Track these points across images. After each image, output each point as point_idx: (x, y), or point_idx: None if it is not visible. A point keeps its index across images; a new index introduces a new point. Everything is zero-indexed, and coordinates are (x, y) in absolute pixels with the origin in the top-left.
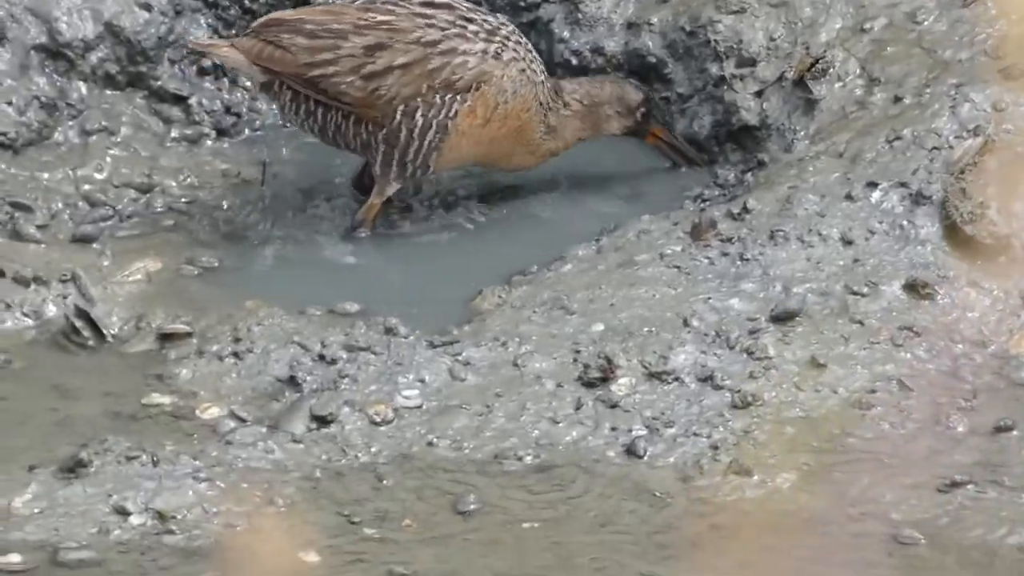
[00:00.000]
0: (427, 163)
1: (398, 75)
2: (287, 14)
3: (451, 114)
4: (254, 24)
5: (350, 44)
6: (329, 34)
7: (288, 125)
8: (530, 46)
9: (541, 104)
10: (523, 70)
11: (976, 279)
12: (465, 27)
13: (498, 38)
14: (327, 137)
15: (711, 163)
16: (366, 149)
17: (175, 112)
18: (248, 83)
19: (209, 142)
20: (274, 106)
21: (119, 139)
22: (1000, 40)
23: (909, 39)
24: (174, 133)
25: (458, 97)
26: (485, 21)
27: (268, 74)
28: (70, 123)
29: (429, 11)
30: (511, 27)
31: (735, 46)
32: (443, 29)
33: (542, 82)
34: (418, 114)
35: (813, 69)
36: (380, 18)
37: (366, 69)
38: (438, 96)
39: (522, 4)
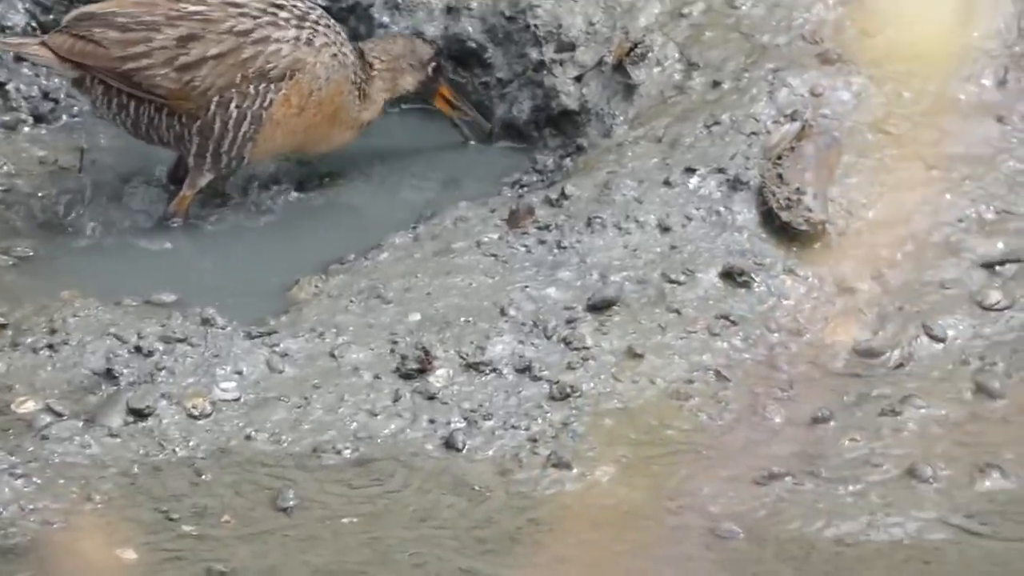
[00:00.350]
0: (242, 154)
1: (212, 66)
2: (98, 7)
3: (265, 104)
4: (65, 19)
5: (163, 36)
6: (141, 26)
7: (102, 118)
8: (339, 27)
9: (353, 83)
10: (335, 55)
11: (792, 266)
12: (276, 14)
13: (308, 23)
14: (140, 131)
15: (529, 148)
16: (179, 142)
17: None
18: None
19: (26, 128)
20: (86, 100)
21: None
22: (817, 25)
23: (727, 24)
24: None
25: (272, 86)
26: (295, 7)
27: (80, 69)
28: None
29: (240, 0)
30: (319, 11)
31: (554, 31)
32: (255, 18)
33: (352, 61)
34: (232, 105)
35: (632, 54)
36: (192, 8)
37: (179, 61)
38: (252, 86)
39: None
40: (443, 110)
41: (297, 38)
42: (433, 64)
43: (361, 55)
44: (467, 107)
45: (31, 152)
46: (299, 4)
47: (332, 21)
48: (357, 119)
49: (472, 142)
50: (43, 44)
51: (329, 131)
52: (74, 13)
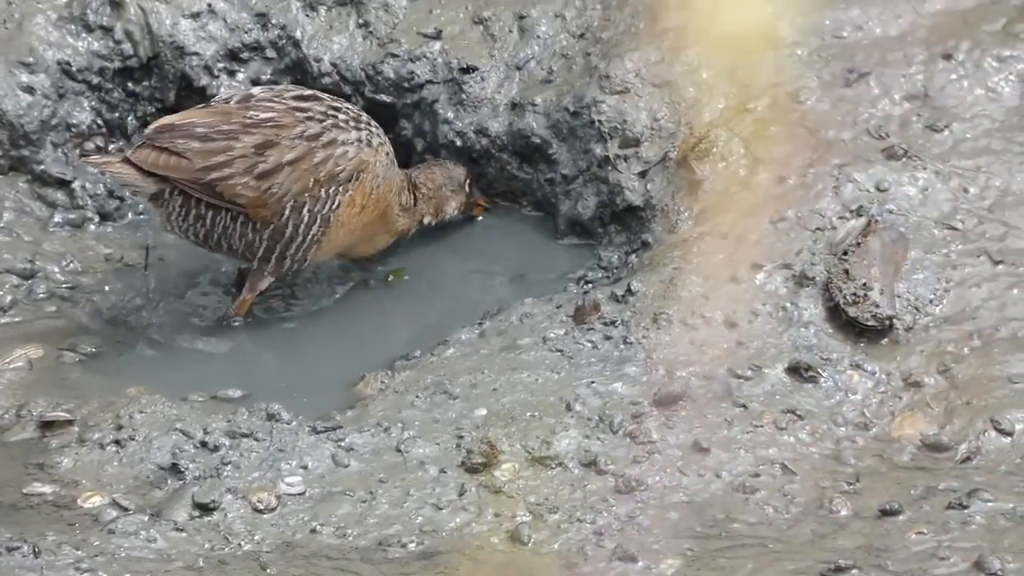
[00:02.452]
0: (306, 257)
1: (288, 172)
2: (177, 118)
3: (334, 206)
4: (146, 132)
5: (241, 144)
6: (221, 135)
7: (172, 230)
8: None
9: (399, 184)
10: (388, 153)
11: (859, 361)
12: (336, 116)
13: (363, 124)
14: (211, 241)
15: (594, 244)
16: (248, 248)
17: (59, 196)
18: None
19: (93, 226)
20: (157, 216)
21: (1, 224)
22: (883, 120)
23: (792, 119)
24: (57, 218)
25: (340, 188)
26: (348, 108)
27: (162, 183)
28: None
29: (304, 104)
30: (364, 113)
31: (619, 126)
32: (320, 121)
33: (395, 166)
34: (305, 209)
35: (697, 149)
36: (263, 116)
37: (258, 168)
38: (323, 189)
39: (406, 85)
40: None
41: (359, 139)
42: (469, 182)
43: (408, 177)
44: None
45: (97, 250)
46: (348, 105)
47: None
48: (396, 223)
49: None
50: (126, 160)
51: (376, 230)
52: (154, 125)
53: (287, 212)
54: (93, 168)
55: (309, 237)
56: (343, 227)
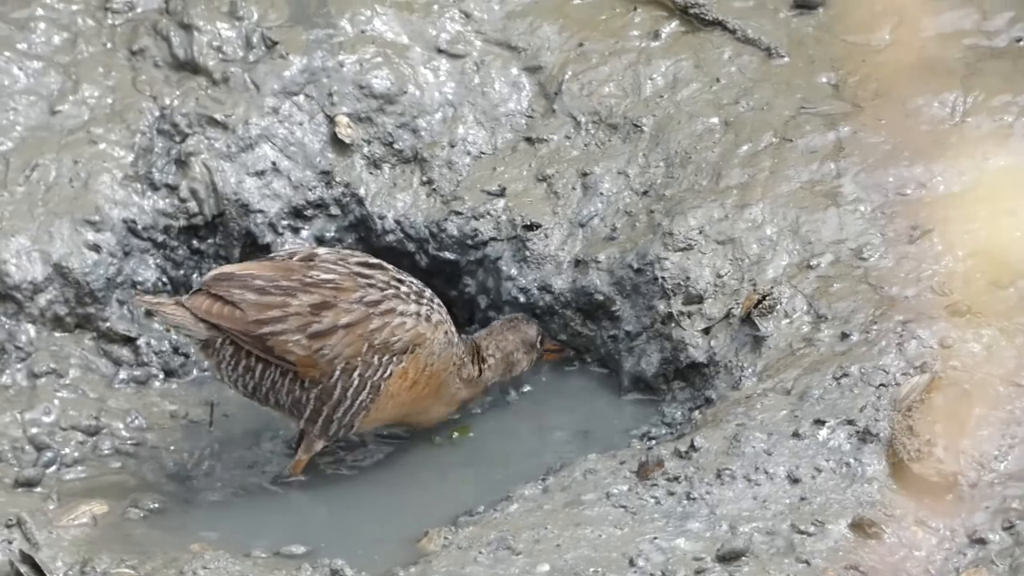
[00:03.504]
0: (353, 423)
1: (341, 335)
2: (238, 268)
3: (385, 375)
4: (205, 278)
5: (297, 302)
6: (279, 291)
7: (222, 379)
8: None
9: (455, 363)
10: (446, 332)
11: (923, 517)
12: (399, 288)
13: (425, 299)
14: (259, 394)
15: (657, 400)
16: (295, 406)
17: (124, 353)
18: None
19: (157, 383)
20: (207, 363)
21: (67, 381)
22: (946, 276)
23: (856, 275)
24: (122, 374)
25: (394, 359)
26: (412, 282)
27: (213, 330)
28: (18, 365)
29: (367, 271)
30: (428, 289)
31: (682, 283)
32: (382, 289)
33: (457, 341)
34: (355, 374)
35: (760, 306)
36: (324, 276)
37: (312, 328)
38: (376, 357)
39: (470, 242)
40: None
41: (418, 313)
42: (541, 338)
43: (474, 344)
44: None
45: (162, 406)
46: (413, 279)
47: (437, 298)
48: (455, 396)
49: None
50: (179, 303)
51: (432, 405)
52: (214, 272)
53: (336, 374)
54: (145, 307)
55: (357, 403)
56: (392, 398)
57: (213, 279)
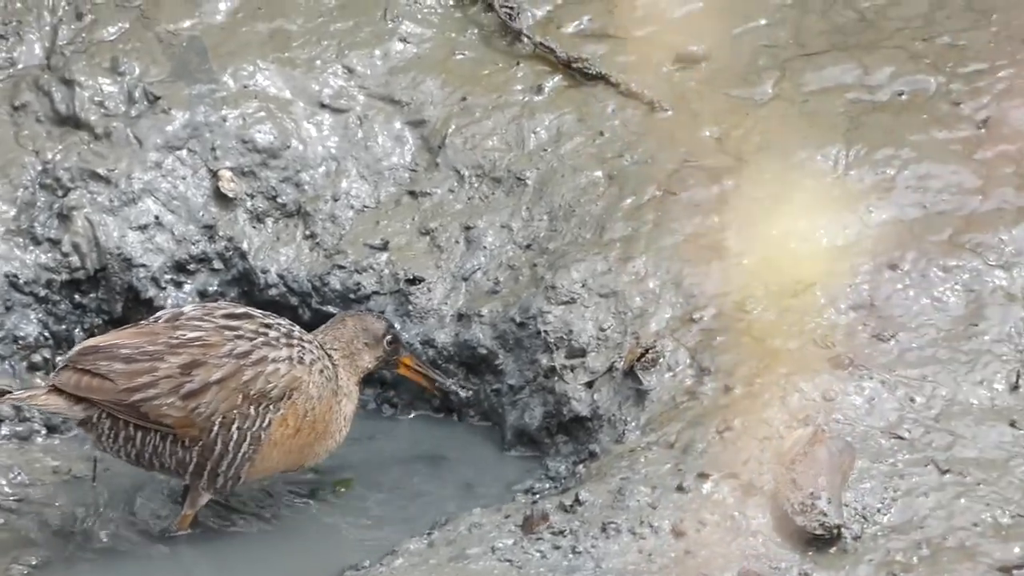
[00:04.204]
0: (239, 474)
1: (215, 391)
2: (100, 340)
3: (264, 424)
4: (69, 354)
5: (166, 365)
6: (145, 356)
7: (105, 451)
8: (311, 337)
9: (335, 392)
10: (322, 370)
11: (807, 570)
12: (267, 333)
13: (295, 340)
14: (143, 460)
15: (541, 455)
16: (180, 466)
17: (5, 408)
18: None
19: (40, 438)
20: (89, 438)
21: None
22: (829, 329)
23: (738, 328)
24: (4, 430)
25: (271, 407)
26: (279, 324)
27: (89, 408)
28: None
29: (233, 322)
30: (296, 327)
31: (565, 336)
32: (251, 339)
33: (330, 367)
34: (234, 427)
35: (643, 359)
36: (191, 335)
37: (185, 388)
38: (252, 407)
39: (352, 296)
40: (411, 379)
41: (290, 357)
42: (388, 338)
43: (321, 347)
44: (433, 373)
45: (44, 462)
46: (281, 321)
47: (306, 333)
48: (341, 418)
49: (435, 396)
50: (52, 389)
51: (321, 446)
52: (77, 348)
53: (215, 429)
54: (18, 404)
55: (240, 455)
56: (276, 447)
57: (78, 354)
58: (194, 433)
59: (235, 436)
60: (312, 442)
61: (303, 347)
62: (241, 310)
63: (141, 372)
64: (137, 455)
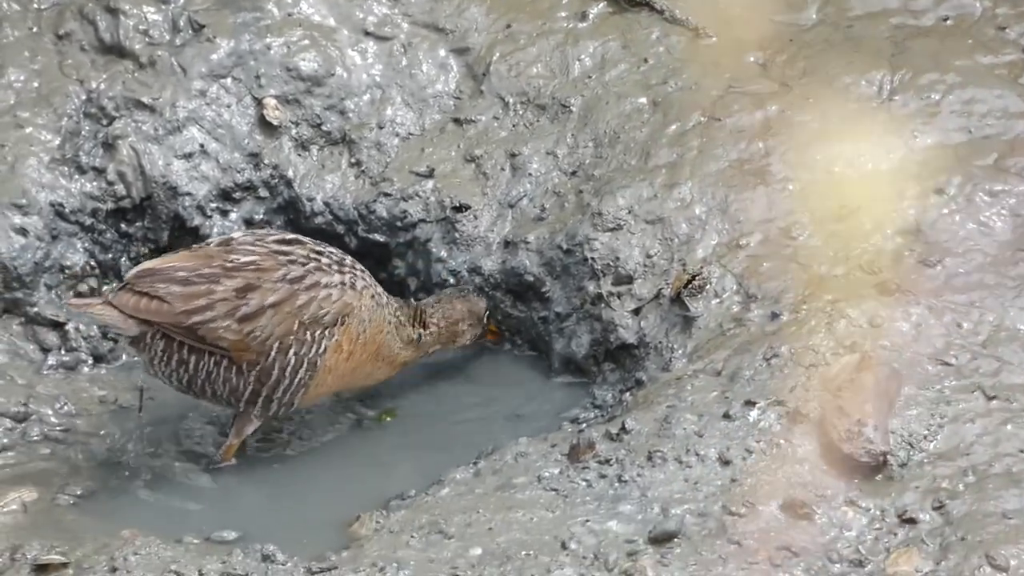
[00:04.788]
0: (292, 400)
1: (270, 315)
2: (157, 263)
3: (321, 351)
4: (127, 276)
5: (222, 288)
6: (202, 279)
7: (156, 375)
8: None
9: (390, 322)
10: (373, 296)
11: (854, 498)
12: (319, 260)
13: (347, 268)
14: (195, 386)
15: (588, 383)
16: (232, 394)
17: (52, 338)
18: None
19: (86, 368)
20: (140, 360)
21: None
22: (875, 255)
23: (785, 254)
24: (51, 360)
25: (326, 332)
26: (331, 252)
27: (144, 325)
28: None
29: (286, 248)
30: (348, 255)
31: (612, 264)
32: (303, 264)
33: (386, 302)
34: (291, 352)
35: (690, 286)
36: (244, 259)
37: (240, 312)
38: (308, 333)
39: (399, 224)
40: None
41: (343, 283)
42: (488, 313)
43: (419, 309)
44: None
45: (91, 392)
46: (332, 249)
47: (357, 261)
48: (398, 356)
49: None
50: (107, 303)
51: (371, 369)
52: (135, 271)
53: (273, 354)
54: (74, 312)
55: (296, 381)
56: (331, 372)
57: (135, 276)
58: (250, 357)
59: (292, 361)
60: (365, 363)
61: (354, 273)
62: (291, 236)
63: (198, 295)
64: (189, 380)
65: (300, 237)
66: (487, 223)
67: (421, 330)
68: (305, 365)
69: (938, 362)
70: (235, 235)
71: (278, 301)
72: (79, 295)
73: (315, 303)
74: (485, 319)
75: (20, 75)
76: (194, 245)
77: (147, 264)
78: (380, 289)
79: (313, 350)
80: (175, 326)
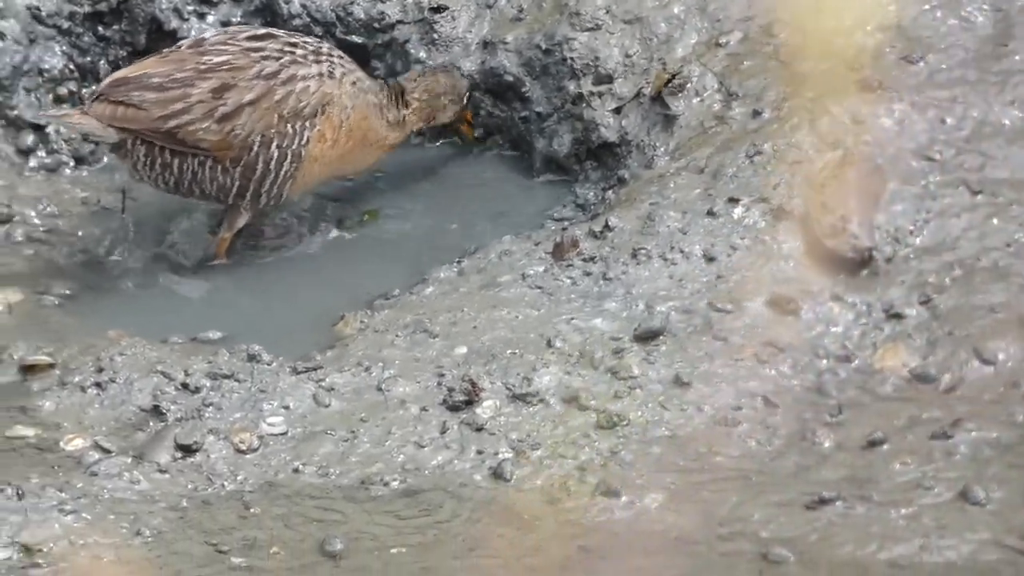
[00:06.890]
0: (281, 192)
1: (249, 112)
2: (129, 71)
3: (303, 142)
4: (100, 87)
5: (198, 90)
6: (176, 84)
7: (141, 180)
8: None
9: (375, 105)
10: (353, 82)
11: (839, 293)
12: (294, 52)
13: (324, 56)
14: (182, 188)
15: (571, 181)
16: (220, 191)
17: (33, 141)
18: None
19: (68, 170)
20: (123, 166)
21: None
22: (857, 51)
23: (765, 52)
24: (32, 162)
25: (307, 123)
26: (306, 42)
27: (123, 133)
28: None
29: (258, 44)
30: (325, 43)
31: (591, 63)
32: (277, 59)
33: (370, 85)
34: (273, 145)
35: (670, 85)
36: (217, 59)
37: (219, 112)
38: (289, 126)
39: (376, 25)
40: (460, 129)
41: (320, 73)
42: (467, 96)
43: (398, 88)
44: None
45: (73, 193)
46: (308, 40)
47: (336, 50)
48: (385, 139)
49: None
50: (83, 113)
51: (359, 155)
52: (107, 80)
53: (255, 149)
54: (50, 121)
55: (282, 173)
56: (316, 162)
57: (109, 87)
58: (233, 155)
59: (275, 155)
60: (352, 149)
61: (332, 61)
62: (263, 31)
63: (174, 99)
64: (176, 183)
65: (273, 30)
66: (465, 24)
67: (405, 110)
68: (289, 157)
69: (922, 158)
70: (206, 35)
71: (255, 98)
72: (58, 99)
73: (293, 96)
74: (466, 101)
75: None
76: (164, 49)
77: (119, 73)
78: (361, 73)
79: (296, 142)
80: (154, 132)
